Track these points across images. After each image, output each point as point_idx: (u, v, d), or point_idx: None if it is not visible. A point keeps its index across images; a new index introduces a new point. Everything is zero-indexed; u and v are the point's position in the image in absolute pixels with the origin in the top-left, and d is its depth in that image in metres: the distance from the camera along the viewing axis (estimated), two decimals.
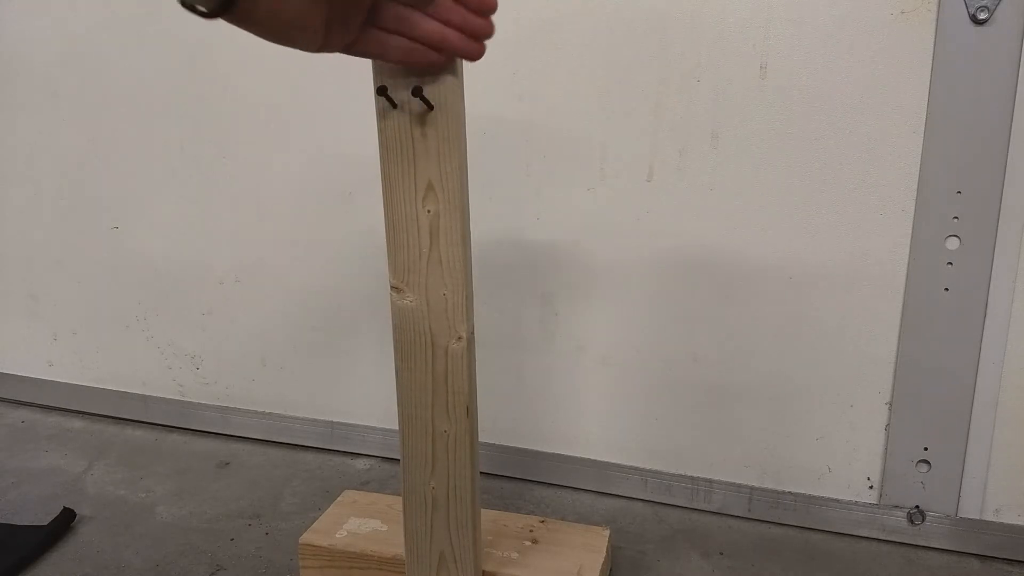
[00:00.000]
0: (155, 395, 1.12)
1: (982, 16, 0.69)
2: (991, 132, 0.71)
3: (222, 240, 1.03)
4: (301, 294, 1.01)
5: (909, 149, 0.74)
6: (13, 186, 1.13)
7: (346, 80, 0.91)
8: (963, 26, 0.70)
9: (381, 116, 0.55)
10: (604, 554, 0.71)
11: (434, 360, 0.60)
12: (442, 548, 0.64)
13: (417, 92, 0.52)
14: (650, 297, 0.86)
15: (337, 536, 0.74)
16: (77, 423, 1.14)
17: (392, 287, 0.60)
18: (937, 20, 0.71)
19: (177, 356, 1.10)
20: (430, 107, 0.54)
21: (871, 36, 0.73)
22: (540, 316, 0.90)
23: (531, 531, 0.74)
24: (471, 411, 0.61)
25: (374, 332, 0.99)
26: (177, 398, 1.12)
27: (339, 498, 0.81)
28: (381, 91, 0.53)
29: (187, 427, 1.11)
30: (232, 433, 1.09)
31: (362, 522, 0.76)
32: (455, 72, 0.53)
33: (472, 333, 0.60)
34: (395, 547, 0.71)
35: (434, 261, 0.58)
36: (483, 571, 0.67)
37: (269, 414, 1.06)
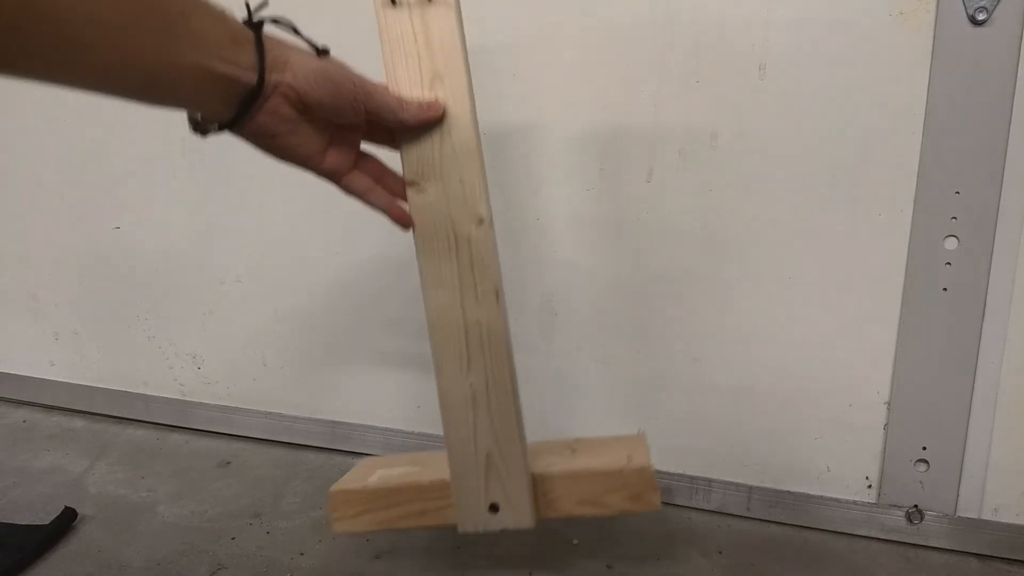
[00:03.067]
0: (156, 395, 1.13)
1: (981, 17, 0.69)
2: (989, 132, 0.71)
3: (223, 240, 1.04)
4: (302, 293, 1.02)
5: (907, 149, 0.74)
6: (14, 186, 1.13)
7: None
8: (962, 27, 0.70)
9: (381, 12, 0.57)
10: (646, 448, 0.69)
11: (458, 249, 0.60)
12: (488, 448, 0.63)
13: None
14: (649, 297, 0.86)
15: (369, 481, 0.71)
16: (78, 422, 1.14)
17: (408, 184, 0.60)
18: (936, 21, 0.71)
19: (178, 355, 1.11)
20: None
21: (870, 37, 0.73)
22: (540, 316, 0.91)
23: (568, 446, 0.73)
24: (500, 295, 0.61)
25: (375, 331, 0.99)
26: (178, 397, 1.12)
27: (358, 464, 0.78)
28: None
29: (188, 426, 1.11)
30: (233, 432, 1.09)
31: (390, 471, 0.73)
32: None
33: (491, 215, 0.61)
34: (434, 476, 0.68)
35: (447, 147, 0.59)
36: (532, 473, 0.65)
37: (270, 413, 1.06)
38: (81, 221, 1.11)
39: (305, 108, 0.52)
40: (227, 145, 1.01)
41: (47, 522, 0.83)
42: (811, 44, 0.75)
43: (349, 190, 0.59)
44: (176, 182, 1.04)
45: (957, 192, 0.73)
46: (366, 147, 0.61)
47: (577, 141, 0.85)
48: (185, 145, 1.02)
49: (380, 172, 0.61)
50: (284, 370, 1.06)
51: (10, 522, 0.84)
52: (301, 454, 1.03)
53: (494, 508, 0.64)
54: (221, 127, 0.51)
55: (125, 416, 1.14)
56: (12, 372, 1.21)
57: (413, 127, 0.58)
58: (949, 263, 0.75)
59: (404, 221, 0.61)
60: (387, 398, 1.01)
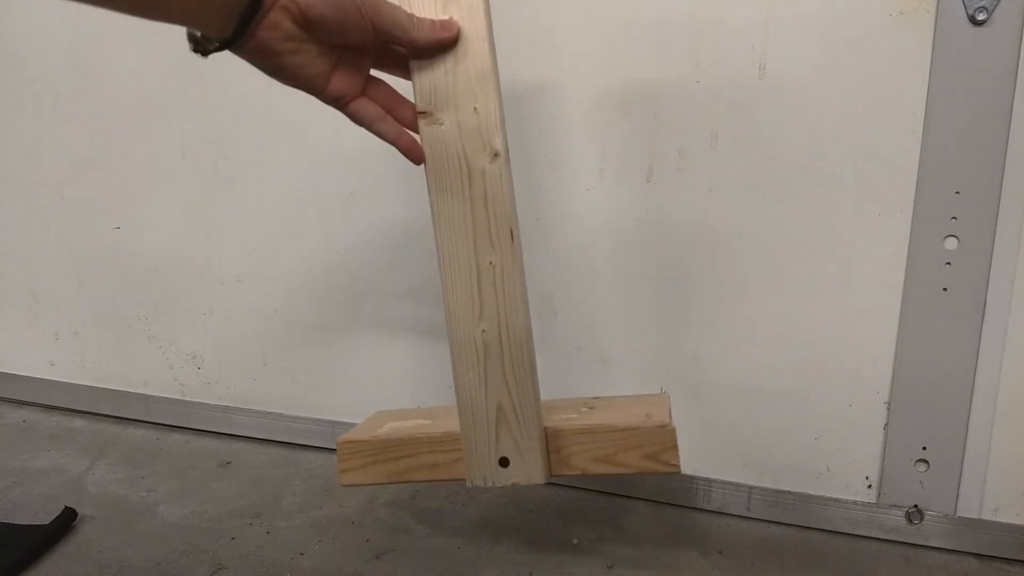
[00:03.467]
0: (156, 394, 1.13)
1: (981, 17, 0.69)
2: (989, 132, 0.71)
3: (223, 239, 1.04)
4: (302, 293, 1.02)
5: (907, 149, 0.74)
6: (14, 186, 1.13)
7: None
8: (962, 27, 0.70)
9: None
10: (668, 407, 0.65)
11: (471, 185, 0.57)
12: (499, 398, 0.60)
13: None
14: (649, 297, 0.86)
15: (379, 431, 0.68)
16: (78, 422, 1.14)
17: (420, 113, 0.57)
18: (936, 21, 0.71)
19: (178, 355, 1.11)
20: None
21: (870, 37, 0.73)
22: (540, 316, 0.91)
23: (585, 403, 0.69)
24: (515, 235, 0.58)
25: (376, 331, 0.99)
26: (178, 397, 1.12)
27: (369, 416, 0.75)
28: None
29: (188, 426, 1.11)
30: (233, 432, 1.09)
31: (401, 424, 0.70)
32: None
33: (507, 149, 0.58)
34: (446, 428, 0.65)
35: (462, 73, 0.56)
36: (545, 428, 0.62)
37: (270, 413, 1.06)
38: (81, 221, 1.11)
39: (308, 24, 0.48)
40: (227, 145, 1.02)
41: (47, 522, 0.83)
42: (811, 44, 0.75)
43: (356, 118, 0.55)
44: (176, 182, 1.04)
45: (957, 192, 0.73)
46: (377, 74, 0.57)
47: (577, 141, 0.85)
48: (185, 145, 1.02)
49: (392, 101, 0.57)
50: (284, 370, 1.06)
51: (10, 522, 0.84)
52: (301, 454, 1.03)
53: (504, 462, 0.61)
54: (221, 46, 0.48)
55: (125, 416, 1.14)
56: (12, 372, 1.21)
57: (425, 48, 0.54)
58: (949, 263, 0.75)
59: (415, 154, 0.57)
60: (387, 398, 1.01)
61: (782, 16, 0.75)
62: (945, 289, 0.75)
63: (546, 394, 0.91)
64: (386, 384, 1.00)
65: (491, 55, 0.56)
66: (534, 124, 0.86)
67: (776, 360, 0.83)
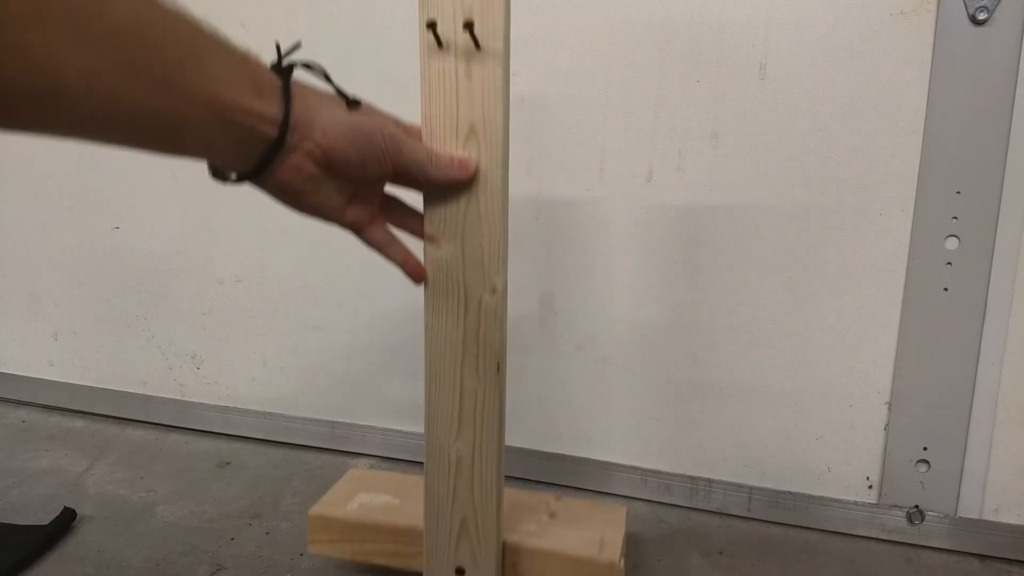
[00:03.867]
0: (156, 395, 1.13)
1: (981, 16, 0.69)
2: (990, 132, 0.71)
3: (223, 240, 1.04)
4: (301, 293, 1.02)
5: (908, 149, 0.74)
6: (14, 186, 1.13)
7: (347, 80, 0.91)
8: (962, 26, 0.70)
9: (426, 54, 0.54)
10: (623, 527, 0.69)
11: (466, 314, 0.58)
12: (464, 513, 0.62)
13: (468, 27, 0.51)
14: (650, 297, 0.86)
15: (348, 508, 0.71)
16: (78, 423, 1.14)
17: (427, 237, 0.58)
18: (936, 20, 0.71)
19: (178, 356, 1.11)
20: (478, 46, 0.53)
21: (870, 36, 0.73)
22: (540, 316, 0.91)
23: (548, 506, 0.72)
24: (501, 368, 0.59)
25: (375, 331, 0.99)
26: (178, 398, 1.12)
27: (345, 475, 0.78)
28: (431, 26, 0.52)
29: (188, 427, 1.11)
30: (233, 433, 1.09)
31: (373, 496, 0.73)
32: (504, 14, 0.53)
33: (506, 286, 0.59)
34: (410, 519, 0.68)
35: (472, 209, 0.56)
36: (504, 542, 0.65)
37: (270, 414, 1.06)
38: (81, 221, 1.11)
39: (329, 165, 0.49)
40: None
41: (46, 522, 0.83)
42: (812, 44, 0.75)
43: (368, 242, 0.57)
44: (176, 182, 1.04)
45: (958, 192, 0.73)
46: (391, 189, 0.58)
47: (577, 141, 0.85)
48: None
49: (403, 214, 0.59)
50: (284, 370, 1.06)
51: (9, 522, 0.84)
52: (300, 454, 1.03)
53: (460, 571, 0.63)
54: (240, 178, 0.47)
55: (124, 416, 1.14)
56: (11, 372, 1.20)
57: (442, 184, 0.55)
58: (950, 263, 0.75)
59: (417, 275, 0.58)
60: (387, 398, 1.01)
61: (782, 16, 0.75)
62: (946, 289, 0.75)
63: (546, 393, 0.91)
64: (386, 384, 1.00)
65: (503, 197, 0.56)
66: (534, 124, 0.86)
67: (776, 360, 0.83)
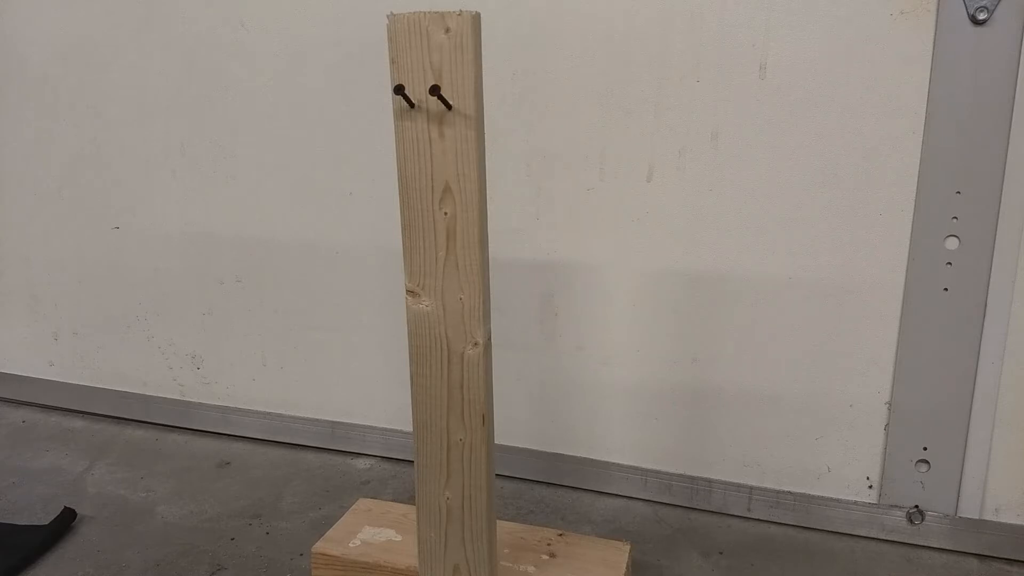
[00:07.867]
0: (156, 395, 1.13)
1: (981, 16, 0.69)
2: (990, 132, 0.71)
3: (222, 240, 1.04)
4: (301, 293, 1.02)
5: (908, 149, 0.74)
6: (14, 186, 1.13)
7: (346, 80, 0.92)
8: (962, 26, 0.70)
9: (398, 116, 0.55)
10: (623, 570, 0.69)
11: (450, 367, 0.59)
12: (456, 560, 0.63)
13: (435, 91, 0.52)
14: (650, 297, 0.86)
15: (350, 545, 0.73)
16: (78, 423, 1.14)
17: (408, 291, 0.59)
18: (936, 20, 0.71)
19: (178, 356, 1.11)
20: (448, 107, 0.53)
21: (871, 36, 0.73)
22: (540, 316, 0.91)
23: (549, 544, 0.73)
24: (487, 419, 0.60)
25: (375, 332, 0.99)
26: (178, 398, 1.12)
27: (353, 506, 0.80)
28: (398, 90, 0.53)
29: (188, 427, 1.11)
30: (233, 433, 1.09)
31: (376, 531, 0.75)
32: (474, 71, 0.53)
33: (489, 339, 0.59)
34: (409, 557, 0.70)
35: (451, 264, 0.57)
36: None
37: (269, 414, 1.06)
38: (81, 221, 1.11)
39: None
40: (227, 145, 1.02)
41: (47, 522, 0.83)
42: (812, 44, 0.75)
43: None
44: (176, 182, 1.04)
45: (958, 192, 0.73)
46: None
47: (577, 141, 0.85)
48: (185, 145, 1.02)
49: None
50: (283, 370, 1.05)
51: (10, 522, 0.84)
52: (300, 454, 1.03)
53: None
54: None
55: (124, 416, 1.14)
56: (11, 372, 1.20)
57: None
58: (950, 263, 0.75)
59: None
60: (386, 399, 1.01)
61: (782, 16, 0.75)
62: (946, 289, 0.75)
63: (546, 393, 0.91)
64: (385, 384, 1.00)
65: (482, 249, 0.57)
66: (534, 124, 0.86)
67: (776, 360, 0.83)
